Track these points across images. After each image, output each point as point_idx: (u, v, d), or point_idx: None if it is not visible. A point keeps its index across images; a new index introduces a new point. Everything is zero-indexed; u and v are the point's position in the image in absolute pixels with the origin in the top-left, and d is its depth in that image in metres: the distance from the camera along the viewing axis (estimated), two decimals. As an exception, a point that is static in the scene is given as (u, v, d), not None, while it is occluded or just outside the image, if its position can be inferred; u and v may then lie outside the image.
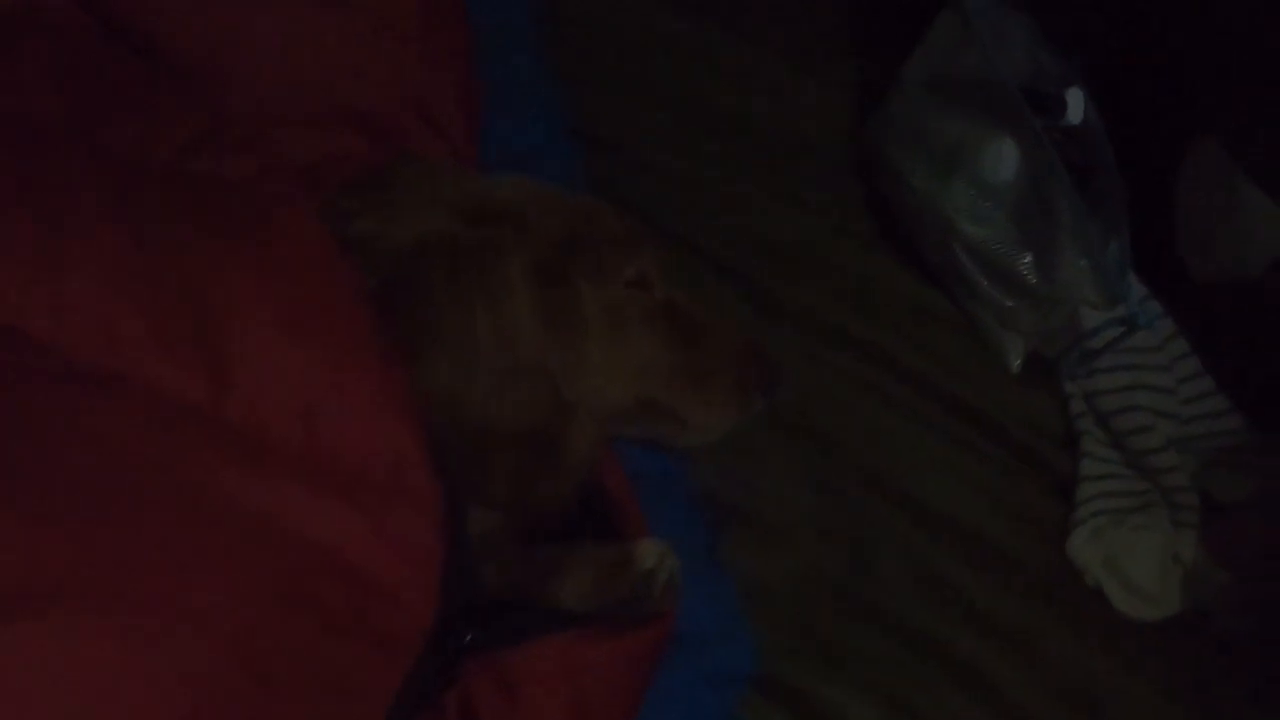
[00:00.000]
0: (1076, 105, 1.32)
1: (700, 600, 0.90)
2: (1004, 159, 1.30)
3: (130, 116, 0.84)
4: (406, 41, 1.03)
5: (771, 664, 1.04)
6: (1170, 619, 1.21)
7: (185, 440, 0.60)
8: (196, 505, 0.58)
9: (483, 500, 0.79)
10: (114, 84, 0.86)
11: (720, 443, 0.93)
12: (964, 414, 1.29)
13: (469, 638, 0.72)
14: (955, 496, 1.23)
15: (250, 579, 0.58)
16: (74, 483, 0.56)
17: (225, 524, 0.58)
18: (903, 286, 1.38)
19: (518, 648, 0.74)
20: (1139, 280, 1.35)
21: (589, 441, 0.85)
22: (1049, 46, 1.37)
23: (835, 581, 1.14)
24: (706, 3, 1.56)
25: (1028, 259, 1.27)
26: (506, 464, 0.79)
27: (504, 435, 0.78)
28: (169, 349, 0.62)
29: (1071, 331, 1.31)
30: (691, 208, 1.36)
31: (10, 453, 0.55)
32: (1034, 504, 1.25)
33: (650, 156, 1.40)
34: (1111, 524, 1.23)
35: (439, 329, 0.76)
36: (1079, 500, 1.25)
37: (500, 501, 0.80)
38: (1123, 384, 1.30)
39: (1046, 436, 1.30)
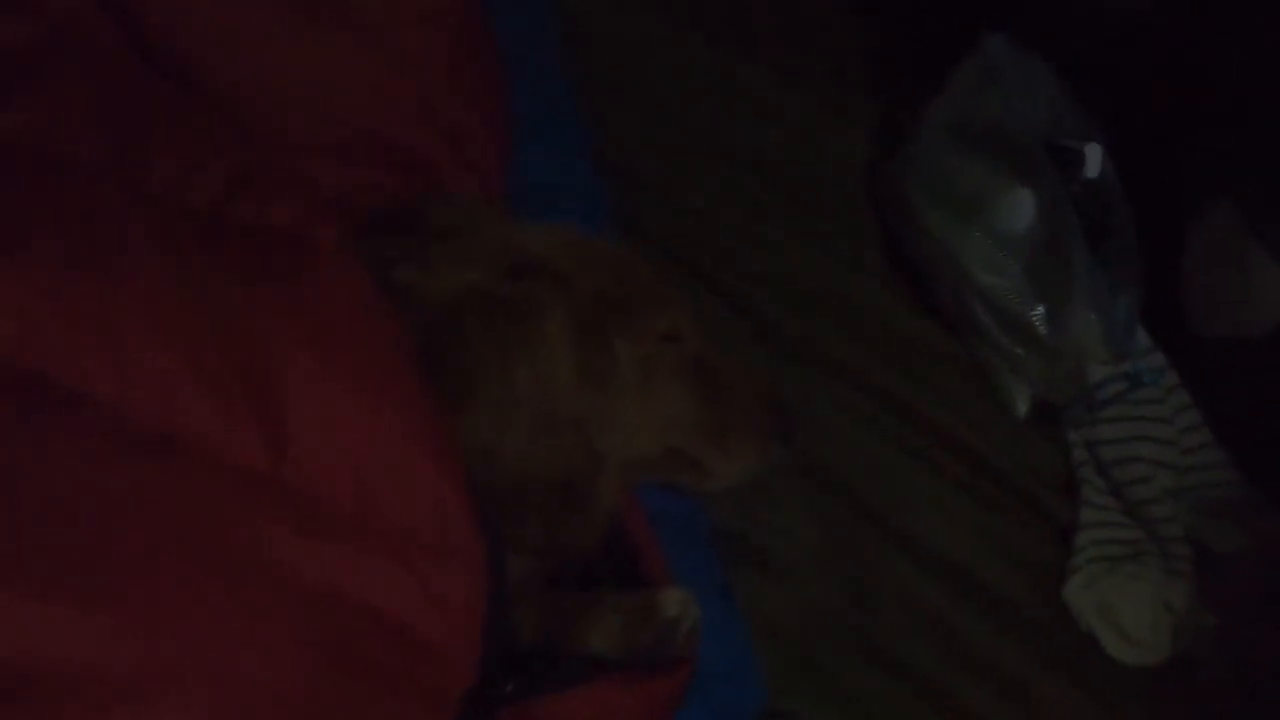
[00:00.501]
0: (1095, 160, 1.34)
1: (713, 639, 0.93)
2: (1021, 210, 1.33)
3: (170, 154, 0.83)
4: (437, 76, 1.05)
5: (776, 700, 1.07)
6: (1160, 666, 1.25)
7: (241, 505, 0.61)
8: (254, 571, 0.60)
9: (514, 547, 0.82)
10: (152, 116, 0.86)
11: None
12: (969, 458, 1.33)
13: (509, 689, 0.75)
14: (957, 539, 1.27)
15: (308, 643, 0.60)
16: (140, 559, 0.57)
17: (283, 589, 0.60)
18: (915, 329, 1.41)
19: (551, 696, 0.77)
20: (1146, 332, 1.39)
21: (615, 490, 0.88)
22: (1070, 100, 1.39)
23: (839, 620, 1.17)
24: (735, 39, 1.59)
25: (1039, 310, 1.31)
26: (539, 512, 0.81)
27: (538, 484, 0.80)
28: (225, 410, 0.63)
29: (1078, 381, 1.34)
30: (712, 243, 1.40)
31: (79, 533, 0.57)
32: (1033, 549, 1.29)
33: (674, 190, 1.43)
34: (1106, 571, 1.27)
35: (479, 382, 0.78)
36: (1076, 547, 1.28)
37: (531, 547, 0.83)
38: (1124, 435, 1.33)
39: (1048, 483, 1.34)
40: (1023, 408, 1.37)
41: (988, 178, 1.35)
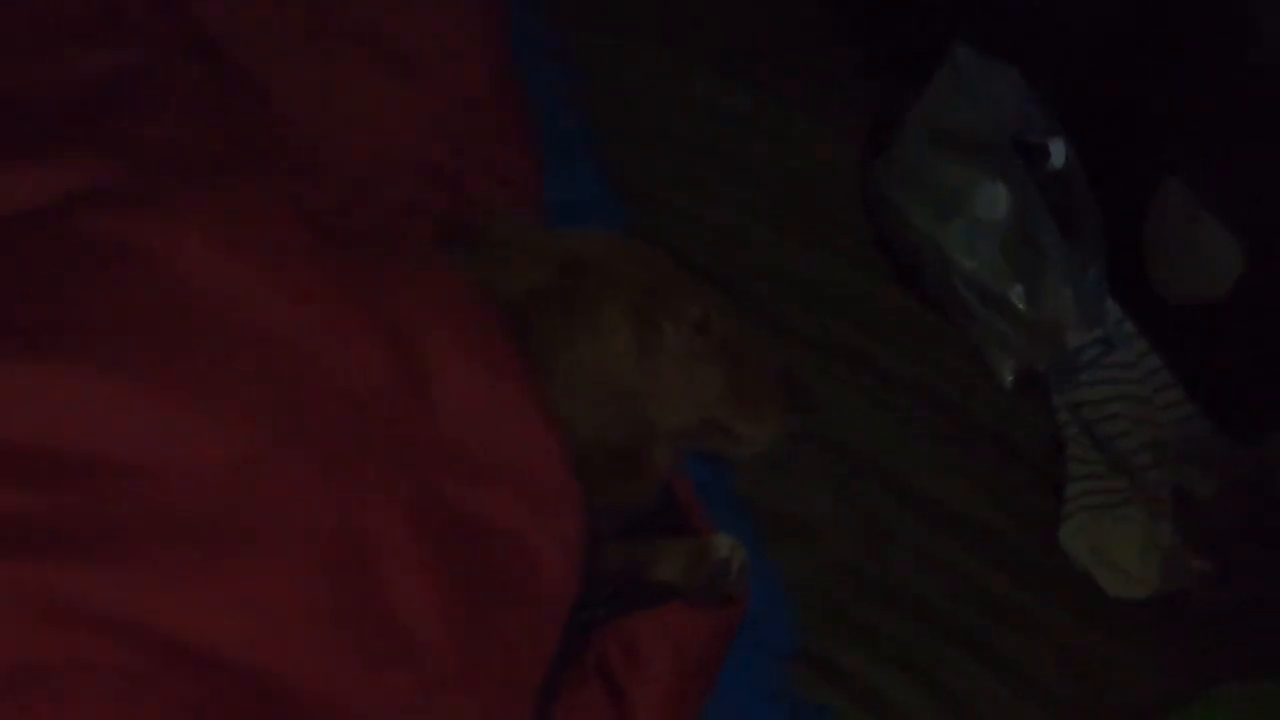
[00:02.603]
0: (1059, 153, 1.49)
1: (751, 585, 1.07)
2: (996, 200, 1.48)
3: (292, 175, 0.95)
4: (480, 109, 1.17)
5: (810, 643, 1.21)
6: (1152, 597, 1.38)
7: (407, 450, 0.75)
8: (429, 512, 0.74)
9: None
10: (252, 138, 0.98)
11: (764, 455, 1.10)
12: (965, 422, 1.47)
13: (602, 611, 0.89)
14: (959, 494, 1.40)
15: (470, 568, 0.74)
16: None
17: (453, 525, 0.74)
18: (907, 312, 1.55)
19: (637, 617, 0.91)
20: (1115, 304, 1.53)
21: (666, 455, 1.02)
22: (1034, 99, 1.54)
23: (859, 572, 1.30)
24: (727, 61, 1.72)
25: (1018, 288, 1.45)
26: (602, 473, 0.94)
27: (602, 450, 0.94)
28: (387, 361, 0.76)
29: (1057, 349, 1.48)
30: (713, 244, 1.52)
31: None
32: (1029, 500, 1.43)
33: (676, 201, 1.55)
34: (1096, 516, 1.41)
35: (551, 363, 0.91)
36: (1067, 496, 1.42)
37: (596, 505, 0.97)
38: (1104, 395, 1.48)
39: (1038, 442, 1.48)
40: (1008, 377, 1.50)
41: (964, 174, 1.50)
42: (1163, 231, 1.52)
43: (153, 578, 0.62)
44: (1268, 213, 1.43)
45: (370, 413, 0.75)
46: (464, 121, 1.16)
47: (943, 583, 1.32)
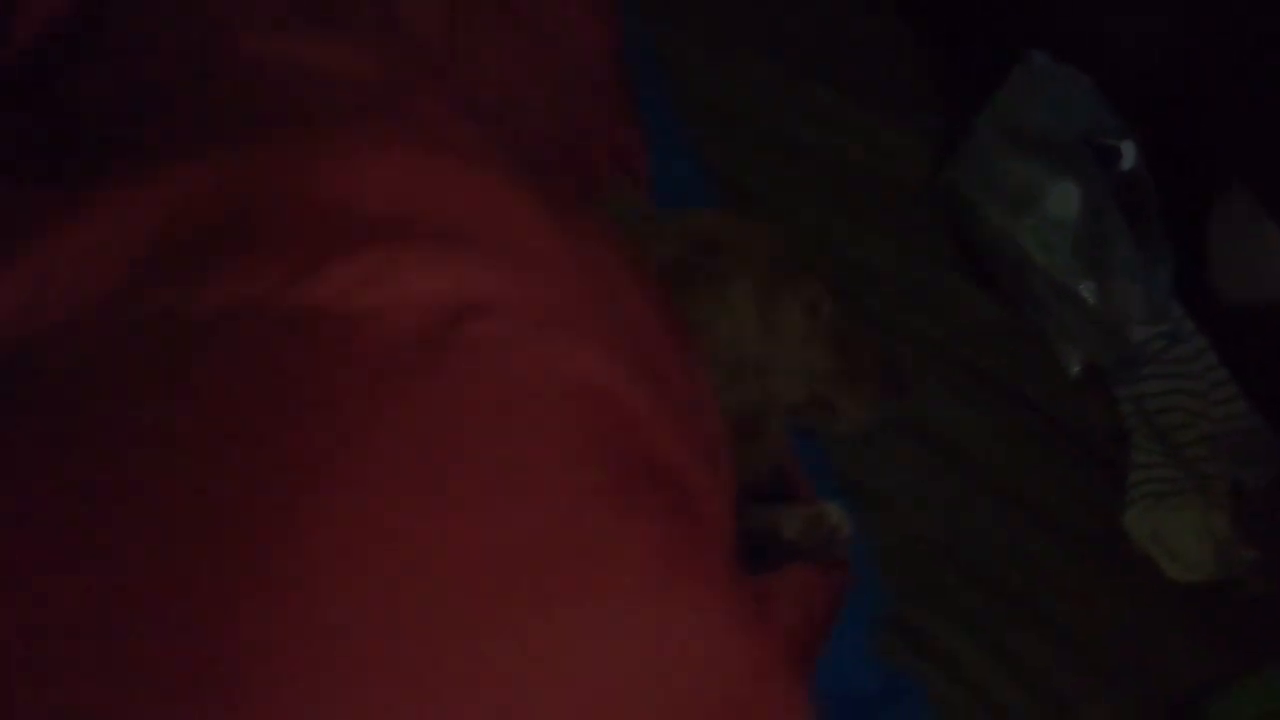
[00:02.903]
0: (1129, 155, 1.55)
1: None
2: (1068, 199, 1.54)
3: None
4: (600, 91, 1.24)
5: (898, 612, 1.28)
6: (1207, 583, 1.44)
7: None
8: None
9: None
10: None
11: (852, 433, 1.17)
12: (1034, 411, 1.52)
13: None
14: (1028, 478, 1.46)
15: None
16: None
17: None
18: (979, 304, 1.61)
19: (768, 574, 0.98)
20: (1177, 302, 1.59)
21: (780, 425, 1.09)
22: (1104, 104, 1.60)
23: (938, 548, 1.37)
24: (807, 62, 1.78)
25: (1089, 284, 1.51)
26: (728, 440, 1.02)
27: (728, 417, 1.00)
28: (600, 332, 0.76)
29: (1122, 344, 1.54)
30: (799, 238, 1.58)
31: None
32: (1093, 486, 1.49)
33: (764, 197, 1.61)
34: (1156, 504, 1.47)
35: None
36: (1130, 484, 1.48)
37: None
38: (1165, 389, 1.54)
39: (1102, 431, 1.54)
40: (1075, 368, 1.57)
41: (1037, 173, 1.56)
42: (1225, 234, 1.58)
43: None
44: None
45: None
46: (584, 95, 1.21)
47: (1014, 561, 1.39)
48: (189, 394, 0.57)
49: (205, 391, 0.57)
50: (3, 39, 0.84)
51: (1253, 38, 1.57)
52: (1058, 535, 1.43)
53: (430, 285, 0.63)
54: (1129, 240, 1.49)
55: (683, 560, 0.63)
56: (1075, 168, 1.54)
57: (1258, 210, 1.53)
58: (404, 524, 0.54)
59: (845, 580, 1.07)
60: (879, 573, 1.26)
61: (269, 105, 0.74)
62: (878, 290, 1.57)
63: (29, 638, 0.49)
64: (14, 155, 0.74)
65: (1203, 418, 1.54)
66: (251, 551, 0.52)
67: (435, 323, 0.61)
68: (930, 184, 1.70)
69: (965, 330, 1.57)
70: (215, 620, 0.50)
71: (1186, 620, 1.42)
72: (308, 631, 0.50)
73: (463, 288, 0.63)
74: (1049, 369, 1.57)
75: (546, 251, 0.69)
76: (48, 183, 0.68)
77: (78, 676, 0.48)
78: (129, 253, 0.62)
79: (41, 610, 0.50)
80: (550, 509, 0.58)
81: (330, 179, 0.66)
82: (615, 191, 1.14)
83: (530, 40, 1.17)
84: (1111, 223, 1.50)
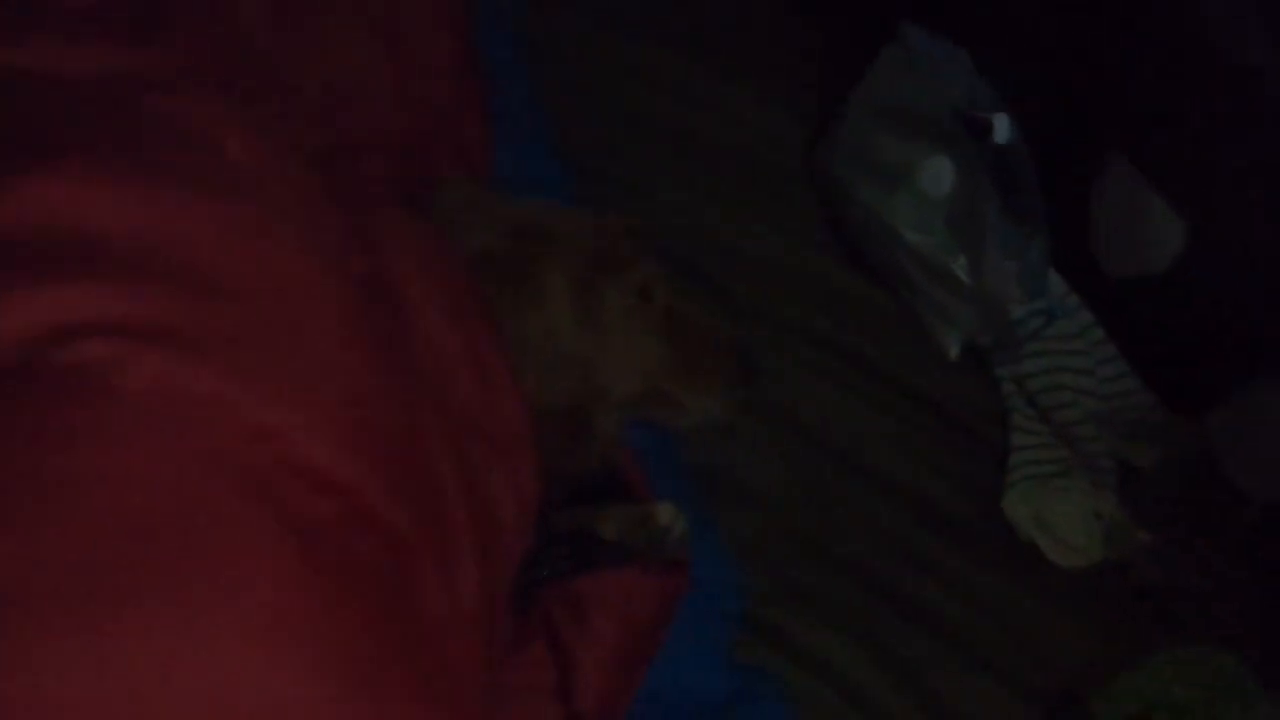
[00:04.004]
0: (1003, 128, 1.49)
1: (696, 552, 1.08)
2: (940, 175, 1.49)
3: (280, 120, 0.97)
4: (443, 86, 1.19)
5: (755, 607, 1.21)
6: (1094, 567, 1.40)
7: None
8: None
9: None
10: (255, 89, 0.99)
11: (710, 425, 1.11)
12: (910, 395, 1.48)
13: (546, 570, 0.91)
14: (904, 465, 1.41)
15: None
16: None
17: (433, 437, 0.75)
18: (853, 287, 1.56)
19: (584, 576, 0.93)
20: (1061, 278, 1.55)
21: (610, 421, 1.03)
22: (979, 77, 1.55)
23: (807, 541, 1.31)
24: (681, 42, 1.73)
25: (961, 261, 1.47)
26: (549, 436, 0.96)
27: (548, 413, 0.95)
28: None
29: (1001, 322, 1.49)
30: (664, 221, 1.51)
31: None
32: (973, 471, 1.44)
33: (630, 180, 1.55)
34: (1038, 486, 1.42)
35: (500, 325, 0.92)
36: (1011, 466, 1.44)
37: (544, 467, 0.98)
38: (1047, 367, 1.49)
39: (982, 414, 1.49)
40: (954, 350, 1.52)
41: (909, 149, 1.51)
42: (1107, 206, 1.54)
43: None
44: (1210, 187, 1.45)
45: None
46: (427, 90, 1.18)
47: (888, 551, 1.33)
48: None
49: None
50: None
51: (1128, 6, 1.53)
52: (935, 523, 1.38)
53: (34, 309, 0.60)
54: (1002, 214, 1.44)
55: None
56: (948, 142, 1.49)
57: (1139, 180, 1.48)
58: None
59: (680, 581, 1.02)
60: (736, 570, 1.20)
61: None
62: (746, 273, 1.51)
63: None
64: None
65: (1089, 395, 1.50)
66: None
67: (33, 346, 0.59)
68: (803, 164, 1.65)
69: (839, 315, 1.52)
70: None
71: (1070, 608, 1.37)
72: None
73: (75, 310, 0.60)
74: (927, 352, 1.53)
75: (217, 275, 0.66)
76: None
77: None
78: None
79: None
80: (101, 529, 0.55)
81: None
82: (451, 187, 1.08)
83: (377, 37, 1.14)
84: (985, 198, 1.45)
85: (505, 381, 0.87)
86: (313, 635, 0.56)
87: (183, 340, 0.61)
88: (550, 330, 0.96)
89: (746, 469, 1.34)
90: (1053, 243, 1.50)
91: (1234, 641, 1.31)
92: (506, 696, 0.90)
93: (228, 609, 0.54)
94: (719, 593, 1.16)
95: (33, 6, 0.83)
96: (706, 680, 1.10)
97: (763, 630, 1.21)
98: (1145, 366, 1.54)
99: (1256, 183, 1.39)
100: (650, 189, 1.57)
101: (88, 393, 0.58)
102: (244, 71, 0.99)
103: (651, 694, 1.02)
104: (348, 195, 0.84)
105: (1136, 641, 1.34)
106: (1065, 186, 1.54)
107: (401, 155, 1.13)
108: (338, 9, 1.11)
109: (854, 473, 1.39)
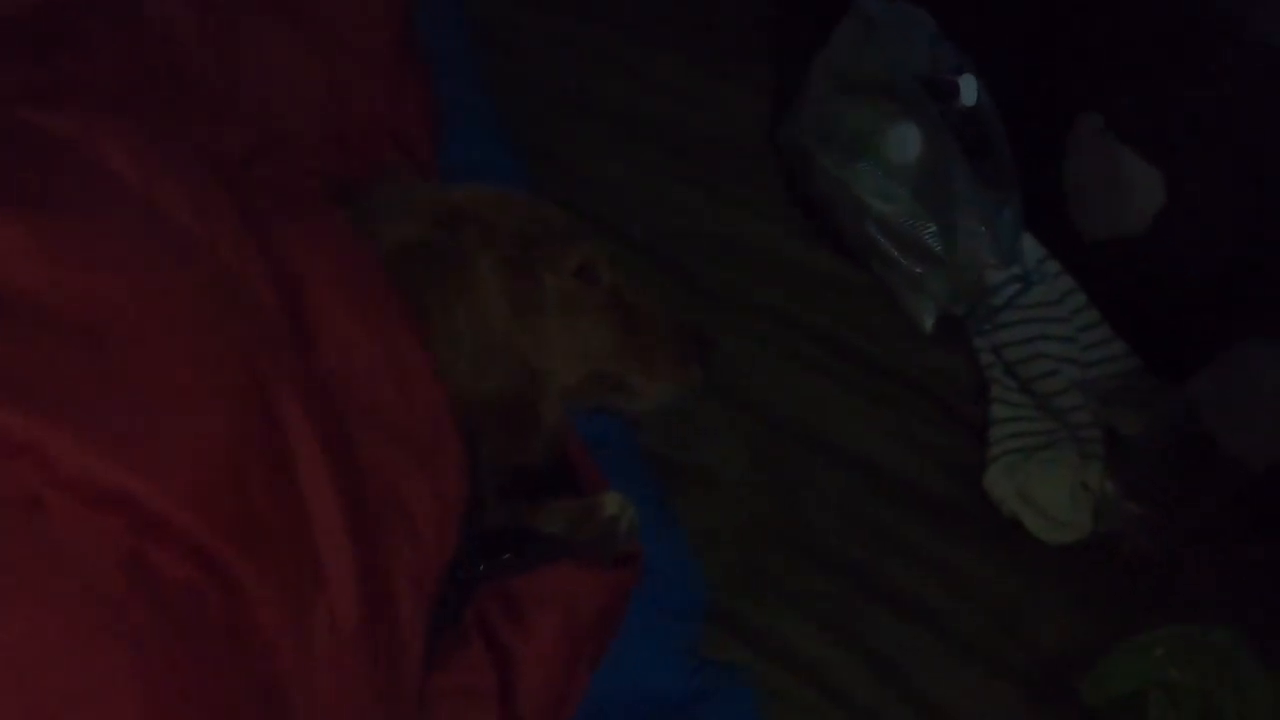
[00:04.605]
0: (969, 89, 1.45)
1: (652, 543, 1.02)
2: (907, 142, 1.44)
3: (198, 121, 0.94)
4: (378, 75, 1.16)
5: (725, 601, 1.16)
6: (1081, 542, 1.34)
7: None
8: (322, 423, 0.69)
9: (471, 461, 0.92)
10: (171, 93, 0.96)
11: (667, 410, 1.06)
12: (883, 372, 1.42)
13: (480, 568, 0.85)
14: (878, 445, 1.36)
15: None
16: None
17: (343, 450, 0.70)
18: (820, 263, 1.51)
19: (521, 575, 0.88)
20: (1038, 242, 1.49)
21: (556, 410, 0.98)
22: (943, 38, 1.50)
23: (774, 527, 1.26)
24: (637, 23, 1.69)
25: (931, 229, 1.41)
26: (489, 429, 0.91)
27: (486, 405, 0.90)
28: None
29: (976, 291, 1.44)
30: (625, 205, 1.49)
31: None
32: (950, 447, 1.38)
33: (584, 162, 1.52)
34: (1022, 459, 1.36)
35: (427, 316, 0.87)
36: (991, 440, 1.38)
37: (485, 461, 0.93)
38: (1026, 335, 1.44)
39: (959, 388, 1.44)
40: (929, 322, 1.47)
41: (873, 117, 1.46)
42: (1082, 167, 1.48)
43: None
44: (1188, 141, 1.39)
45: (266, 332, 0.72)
46: (365, 82, 1.15)
47: (861, 535, 1.28)
48: None
49: None
50: None
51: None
52: (912, 503, 1.32)
53: None
54: (972, 180, 1.40)
55: None
56: (913, 108, 1.44)
57: (1114, 138, 1.42)
58: None
59: (631, 575, 0.96)
60: (698, 561, 1.15)
61: None
62: (708, 254, 1.47)
63: None
64: None
65: (1071, 363, 1.44)
66: None
67: None
68: (766, 142, 1.61)
69: (806, 292, 1.47)
70: None
71: (1056, 586, 1.31)
72: None
73: None
74: (901, 328, 1.47)
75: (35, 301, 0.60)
76: None
77: None
78: None
79: None
80: None
81: None
82: (388, 179, 1.03)
83: (304, 29, 1.11)
84: (953, 163, 1.40)
85: (426, 380, 0.82)
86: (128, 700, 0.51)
87: None
88: (482, 318, 0.91)
89: (708, 454, 1.29)
90: (1027, 207, 1.45)
91: (1230, 615, 1.24)
92: (440, 699, 0.85)
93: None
94: (678, 585, 1.11)
95: None
96: (664, 678, 1.05)
97: (729, 623, 1.16)
98: (1128, 331, 1.49)
99: (1228, 136, 1.33)
100: (606, 172, 1.53)
101: None
102: (169, 77, 0.96)
103: (606, 694, 0.97)
104: (258, 200, 0.80)
105: (1127, 620, 1.25)
106: (1037, 148, 1.48)
107: (340, 149, 1.10)
108: (262, 8, 1.08)
109: (824, 454, 1.33)
